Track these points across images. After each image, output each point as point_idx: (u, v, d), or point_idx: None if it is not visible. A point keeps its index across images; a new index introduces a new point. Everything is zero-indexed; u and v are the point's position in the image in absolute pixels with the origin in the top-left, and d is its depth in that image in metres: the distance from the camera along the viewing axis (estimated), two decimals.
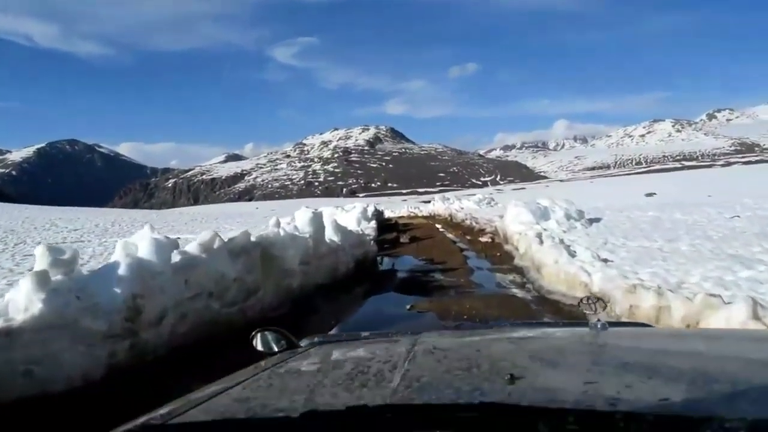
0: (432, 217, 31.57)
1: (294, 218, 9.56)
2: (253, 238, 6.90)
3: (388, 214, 50.35)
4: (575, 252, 8.72)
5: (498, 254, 12.37)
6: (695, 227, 11.52)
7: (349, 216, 15.92)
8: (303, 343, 1.74)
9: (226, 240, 6.46)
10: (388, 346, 1.54)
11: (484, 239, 15.08)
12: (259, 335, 1.77)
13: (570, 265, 7.61)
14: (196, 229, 25.61)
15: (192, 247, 6.09)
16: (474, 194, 43.09)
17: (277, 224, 7.77)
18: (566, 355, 1.33)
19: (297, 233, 8.12)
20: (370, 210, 20.45)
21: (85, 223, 29.30)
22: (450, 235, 18.61)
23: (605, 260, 7.82)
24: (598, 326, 1.50)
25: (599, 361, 1.22)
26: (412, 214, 43.49)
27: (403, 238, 17.82)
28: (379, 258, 13.09)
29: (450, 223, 23.98)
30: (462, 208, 28.37)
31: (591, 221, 13.87)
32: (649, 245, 9.31)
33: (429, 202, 55.03)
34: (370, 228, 15.08)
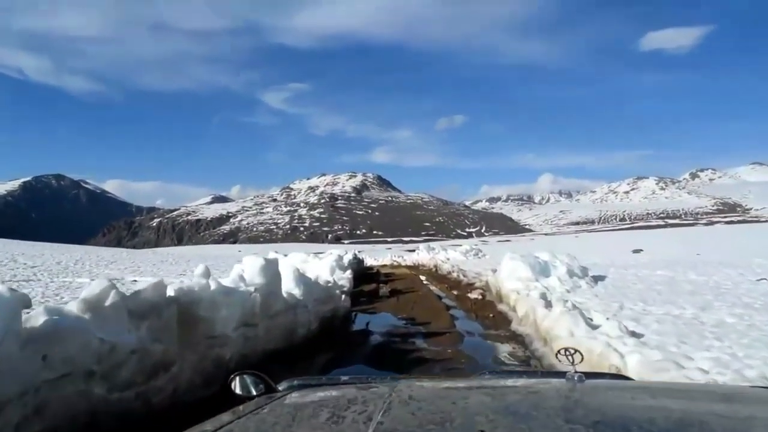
0: (416, 267, 29.72)
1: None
2: (171, 292, 5.07)
3: (370, 262, 48.52)
4: (592, 320, 6.97)
5: (491, 315, 10.56)
6: (722, 291, 9.82)
7: (321, 264, 14.07)
8: (282, 386, 1.70)
9: (126, 294, 4.62)
10: (365, 394, 1.50)
11: (473, 296, 13.30)
12: (237, 378, 1.74)
13: (592, 340, 5.82)
14: (160, 272, 23.76)
15: (71, 306, 4.27)
16: (460, 245, 41.43)
17: (206, 274, 5.89)
18: (540, 408, 1.27)
19: (242, 286, 6.30)
20: (348, 258, 18.62)
21: (48, 260, 27.77)
22: (435, 289, 16.80)
23: (633, 333, 6.06)
24: (575, 378, 1.56)
25: (571, 416, 1.18)
26: (395, 263, 41.66)
27: (384, 290, 16.01)
28: (353, 314, 11.25)
29: (435, 274, 22.15)
30: (448, 259, 26.63)
31: (596, 279, 12.19)
32: (678, 313, 7.58)
33: (413, 251, 53.29)
34: (344, 279, 13.21)
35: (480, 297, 13.05)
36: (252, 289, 6.30)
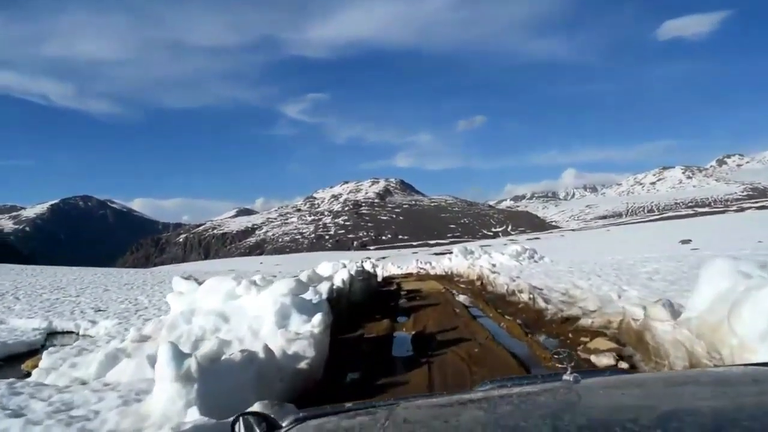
0: (450, 279, 22.02)
1: None
2: None
3: (393, 270, 40.84)
4: None
5: None
6: None
7: (262, 303, 6.41)
8: (287, 421, 1.65)
9: None
10: (363, 421, 1.51)
11: (603, 360, 5.83)
12: (241, 420, 1.66)
13: None
14: (119, 297, 17.85)
15: None
16: (490, 245, 33.82)
17: None
18: (530, 418, 1.27)
19: None
20: (341, 277, 11.02)
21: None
22: (498, 328, 9.20)
23: None
24: (571, 379, 1.57)
25: (559, 423, 1.15)
26: (421, 272, 34.06)
27: (401, 335, 8.72)
28: None
29: (483, 293, 14.48)
30: (494, 266, 19.04)
31: None
32: None
33: (443, 254, 45.76)
34: (304, 337, 5.59)
35: (622, 364, 5.59)
36: None
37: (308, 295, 7.58)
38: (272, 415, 1.69)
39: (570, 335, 7.31)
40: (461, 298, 14.03)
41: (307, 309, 6.31)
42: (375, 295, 15.47)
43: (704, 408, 1.18)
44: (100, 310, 14.39)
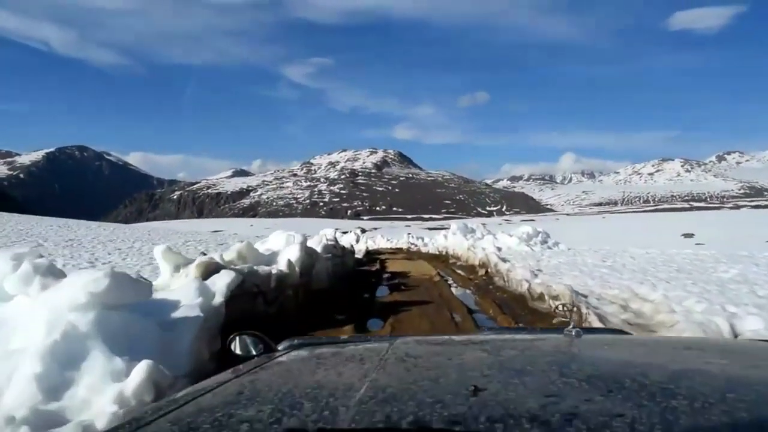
0: (444, 261, 18.44)
1: None
2: None
3: (381, 243, 37.67)
4: None
5: None
6: None
7: (39, 313, 3.06)
8: (282, 345, 1.65)
9: None
10: (362, 352, 1.47)
11: None
12: (237, 339, 1.70)
13: None
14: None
15: None
16: (494, 224, 30.32)
17: None
18: (535, 363, 1.25)
19: None
20: (288, 257, 7.39)
21: None
22: None
23: None
24: (573, 333, 1.54)
25: (566, 371, 1.13)
26: (412, 248, 30.60)
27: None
28: None
29: (488, 287, 10.89)
30: (500, 250, 15.48)
31: None
32: None
33: (437, 230, 42.38)
34: None
35: None
36: None
37: (179, 295, 3.94)
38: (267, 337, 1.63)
39: None
40: (460, 292, 10.42)
41: (137, 341, 2.68)
42: (347, 280, 11.90)
43: (710, 369, 1.16)
44: None
